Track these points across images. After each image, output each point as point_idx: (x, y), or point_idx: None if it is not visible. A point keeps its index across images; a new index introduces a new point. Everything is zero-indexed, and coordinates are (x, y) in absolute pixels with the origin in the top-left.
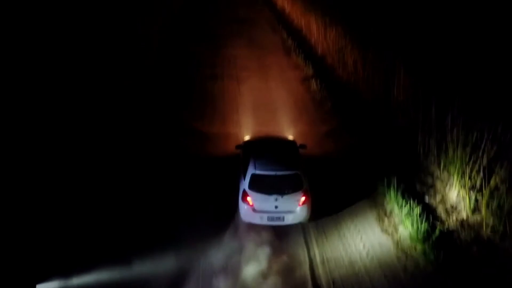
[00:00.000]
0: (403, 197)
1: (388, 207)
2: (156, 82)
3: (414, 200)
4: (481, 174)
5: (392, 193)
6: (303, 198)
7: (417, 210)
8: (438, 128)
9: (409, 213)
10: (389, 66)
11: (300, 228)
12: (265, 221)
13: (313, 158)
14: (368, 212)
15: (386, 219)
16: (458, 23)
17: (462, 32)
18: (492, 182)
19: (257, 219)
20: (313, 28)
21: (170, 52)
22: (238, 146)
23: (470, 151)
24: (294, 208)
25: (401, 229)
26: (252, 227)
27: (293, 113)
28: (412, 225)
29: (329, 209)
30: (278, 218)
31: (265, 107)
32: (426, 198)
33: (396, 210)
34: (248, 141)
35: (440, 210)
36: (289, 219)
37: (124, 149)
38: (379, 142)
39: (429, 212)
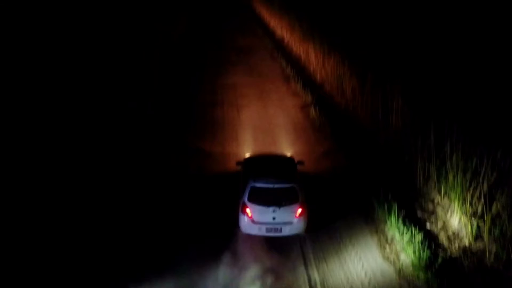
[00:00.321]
0: (404, 224)
1: (389, 234)
2: (158, 109)
3: (415, 227)
4: (482, 200)
5: (393, 220)
6: (299, 210)
7: (418, 237)
8: (438, 154)
9: (410, 240)
10: (386, 93)
11: (300, 253)
12: (263, 232)
13: (313, 180)
14: (369, 238)
15: (387, 246)
16: (456, 49)
17: (460, 58)
18: (493, 208)
19: (256, 230)
20: (312, 56)
21: (170, 79)
22: (238, 163)
23: (470, 177)
24: (291, 220)
25: (403, 256)
26: (252, 251)
27: (292, 138)
28: (414, 252)
29: (330, 234)
30: (276, 229)
31: (264, 133)
32: (427, 224)
33: (397, 237)
34: (248, 158)
35: (442, 237)
36: (287, 230)
37: (129, 164)
38: (379, 168)
39: (431, 239)
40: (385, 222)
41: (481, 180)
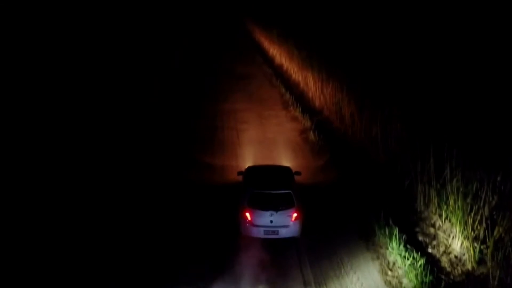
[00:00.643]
0: (405, 249)
1: (391, 259)
2: (156, 138)
3: (417, 252)
4: (484, 224)
5: (395, 244)
6: (295, 215)
7: (421, 262)
8: (438, 178)
9: (412, 265)
10: (385, 117)
11: (301, 278)
12: (261, 235)
13: (312, 202)
14: (371, 263)
15: (389, 271)
16: (454, 73)
17: (458, 82)
18: (495, 232)
19: (254, 233)
20: (310, 83)
21: (170, 105)
22: (239, 172)
23: (471, 201)
24: (287, 223)
25: (405, 281)
26: (252, 274)
27: (290, 160)
28: (417, 277)
29: (331, 258)
30: (273, 232)
31: (263, 155)
32: (429, 249)
33: (399, 261)
34: (248, 167)
35: (444, 262)
36: (283, 233)
37: (143, 173)
38: (379, 191)
39: (433, 264)
40: (387, 246)
41: (482, 204)
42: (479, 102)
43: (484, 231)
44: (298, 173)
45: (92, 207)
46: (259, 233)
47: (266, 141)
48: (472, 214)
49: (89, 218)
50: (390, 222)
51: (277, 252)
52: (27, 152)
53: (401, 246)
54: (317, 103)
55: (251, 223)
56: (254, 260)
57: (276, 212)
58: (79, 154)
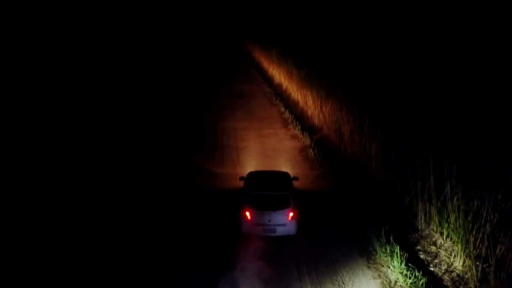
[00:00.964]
0: (407, 267)
1: (393, 278)
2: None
3: (419, 270)
4: (486, 242)
5: (396, 263)
6: (291, 214)
7: (423, 280)
8: (438, 196)
9: (414, 284)
10: (384, 135)
11: None
12: (260, 233)
13: (313, 220)
14: (372, 282)
15: None
16: (454, 90)
17: (457, 98)
18: (498, 251)
19: (254, 231)
20: (309, 101)
21: (169, 123)
22: (241, 178)
23: (472, 219)
24: (284, 222)
25: None
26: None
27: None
28: None
29: (331, 277)
30: (271, 230)
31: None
32: (431, 267)
33: (401, 280)
34: (250, 172)
35: (447, 280)
36: (280, 231)
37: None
38: (380, 209)
39: (435, 283)
40: (388, 265)
41: (483, 222)
42: (479, 120)
43: (486, 249)
44: (296, 178)
45: (95, 210)
46: (258, 231)
47: (265, 159)
48: (474, 232)
49: (91, 222)
50: (391, 240)
51: (276, 270)
52: (35, 161)
53: (403, 265)
54: (316, 121)
55: (251, 222)
56: (253, 275)
57: (274, 212)
58: (87, 157)
